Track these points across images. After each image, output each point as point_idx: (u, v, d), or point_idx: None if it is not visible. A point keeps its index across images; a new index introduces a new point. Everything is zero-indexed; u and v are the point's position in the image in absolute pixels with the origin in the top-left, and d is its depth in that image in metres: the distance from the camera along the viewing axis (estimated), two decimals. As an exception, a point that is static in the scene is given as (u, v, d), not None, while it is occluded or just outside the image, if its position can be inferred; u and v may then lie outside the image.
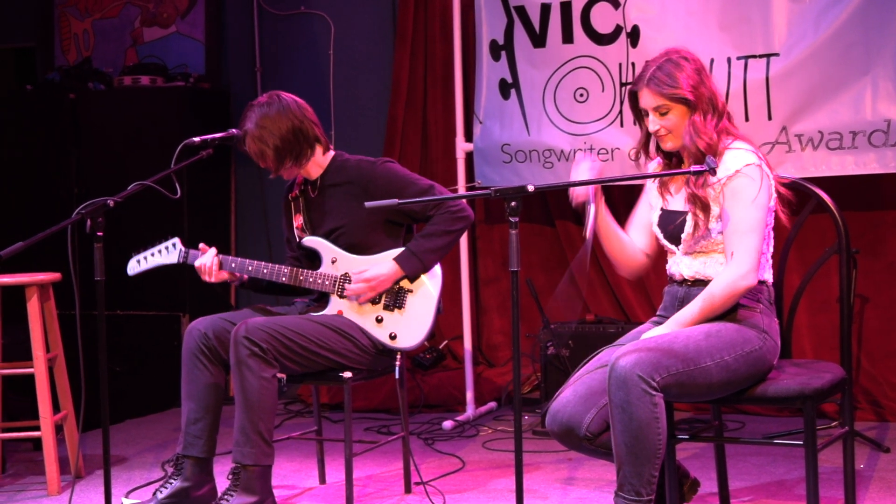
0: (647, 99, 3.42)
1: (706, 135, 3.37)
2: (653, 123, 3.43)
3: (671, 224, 3.48)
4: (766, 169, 3.37)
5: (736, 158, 3.36)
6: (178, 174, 3.92)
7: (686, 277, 3.47)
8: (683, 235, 3.44)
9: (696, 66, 3.42)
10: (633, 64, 5.24)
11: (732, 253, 3.33)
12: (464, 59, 5.76)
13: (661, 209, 3.54)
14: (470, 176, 5.73)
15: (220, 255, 4.13)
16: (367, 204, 3.41)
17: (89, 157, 6.57)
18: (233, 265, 4.13)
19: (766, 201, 3.36)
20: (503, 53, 5.57)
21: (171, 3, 6.92)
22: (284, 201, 4.36)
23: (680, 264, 3.48)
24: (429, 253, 4.11)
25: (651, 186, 3.61)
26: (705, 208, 3.38)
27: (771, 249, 3.47)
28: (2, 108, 6.84)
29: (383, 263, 4.10)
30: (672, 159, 3.54)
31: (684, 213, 3.45)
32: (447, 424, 5.44)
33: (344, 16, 6.54)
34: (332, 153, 4.26)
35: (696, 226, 3.41)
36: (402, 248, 4.13)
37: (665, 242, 3.51)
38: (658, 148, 3.52)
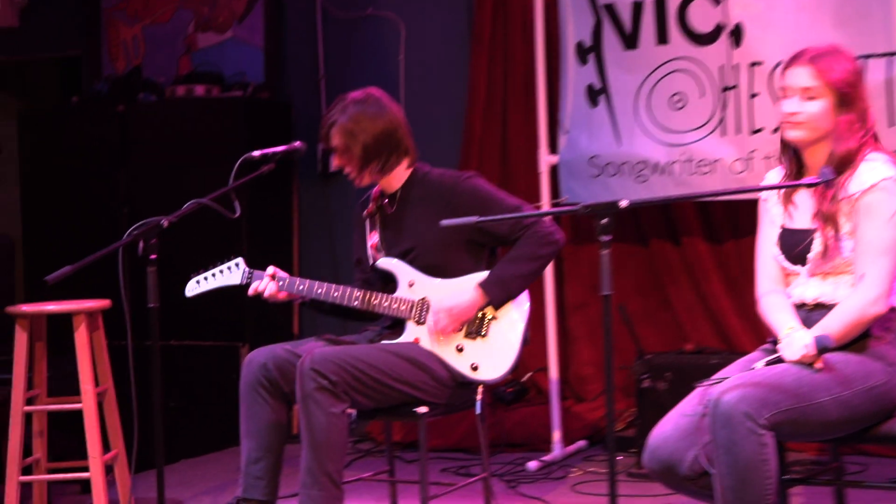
0: (800, 77, 3.38)
1: (849, 141, 3.35)
2: (790, 104, 3.39)
3: (795, 243, 3.44)
4: None
5: (872, 171, 3.33)
6: (236, 192, 3.97)
7: (806, 302, 3.43)
8: (810, 255, 3.40)
9: (858, 70, 3.43)
10: (735, 66, 5.21)
11: (862, 275, 3.29)
12: (547, 64, 5.75)
13: (783, 227, 3.50)
14: (555, 191, 5.72)
15: (288, 277, 4.17)
16: (444, 222, 3.43)
17: (140, 174, 6.65)
18: (300, 288, 4.17)
19: None
20: (591, 56, 5.56)
21: (227, 7, 7.00)
22: (357, 218, 4.39)
23: (804, 287, 3.44)
24: (515, 279, 4.12)
25: (772, 202, 3.57)
26: (829, 221, 3.34)
27: None
28: (46, 123, 6.96)
29: (466, 290, 4.11)
30: (796, 169, 3.49)
31: (811, 231, 3.41)
32: (532, 465, 5.43)
33: (415, 18, 6.57)
34: (414, 165, 4.30)
35: (825, 245, 3.37)
36: (486, 273, 4.14)
37: (787, 264, 3.47)
38: (784, 151, 3.49)
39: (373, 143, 4.17)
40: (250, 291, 4.18)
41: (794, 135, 3.42)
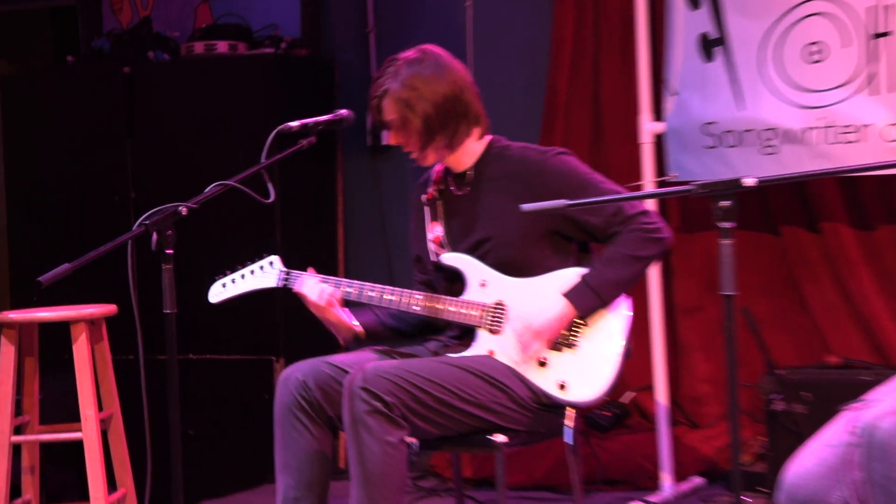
0: None
1: None
2: None
3: None
4: None
5: None
6: (269, 171, 3.98)
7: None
8: None
9: None
10: (888, 7, 5.16)
11: None
12: (650, 10, 5.74)
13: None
14: (660, 168, 5.71)
15: (332, 278, 4.19)
16: (524, 207, 3.41)
17: (151, 150, 6.70)
18: (348, 290, 4.18)
19: None
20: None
21: (254, -57, 7.05)
22: (416, 205, 4.40)
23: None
24: (610, 286, 4.10)
25: None
26: None
27: None
28: (36, 87, 7.02)
29: (550, 299, 4.10)
30: None
31: None
32: (635, 507, 5.43)
33: (485, -44, 6.60)
34: (487, 138, 4.29)
35: None
36: (574, 271, 4.13)
37: None
38: None
39: (435, 112, 4.18)
40: (304, 293, 4.19)
41: None
